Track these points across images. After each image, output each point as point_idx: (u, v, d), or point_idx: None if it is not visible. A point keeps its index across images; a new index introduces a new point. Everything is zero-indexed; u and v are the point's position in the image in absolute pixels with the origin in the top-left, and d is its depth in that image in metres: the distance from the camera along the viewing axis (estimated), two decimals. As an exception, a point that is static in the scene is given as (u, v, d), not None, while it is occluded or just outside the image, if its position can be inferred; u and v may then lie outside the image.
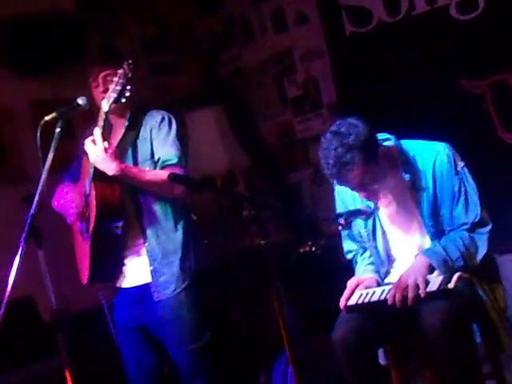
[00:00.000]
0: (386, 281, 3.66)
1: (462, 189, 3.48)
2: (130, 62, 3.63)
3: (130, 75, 3.61)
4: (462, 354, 3.28)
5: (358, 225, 3.69)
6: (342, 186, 3.65)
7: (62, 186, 4.05)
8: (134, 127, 3.90)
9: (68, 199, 3.94)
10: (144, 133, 3.88)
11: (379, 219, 3.65)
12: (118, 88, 3.62)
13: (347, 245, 3.88)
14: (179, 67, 6.58)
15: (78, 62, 5.22)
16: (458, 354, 3.26)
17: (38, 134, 3.54)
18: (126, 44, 6.10)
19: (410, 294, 3.33)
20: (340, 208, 3.75)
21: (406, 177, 3.52)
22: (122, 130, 3.91)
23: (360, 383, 3.43)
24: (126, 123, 3.91)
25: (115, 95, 3.63)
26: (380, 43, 5.70)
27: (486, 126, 5.30)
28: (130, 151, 3.87)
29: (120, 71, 3.62)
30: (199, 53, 6.72)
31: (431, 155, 3.51)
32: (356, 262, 3.84)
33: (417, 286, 3.34)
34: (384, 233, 3.66)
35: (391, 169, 3.52)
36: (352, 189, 3.50)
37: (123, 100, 3.66)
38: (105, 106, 3.66)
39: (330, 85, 6.13)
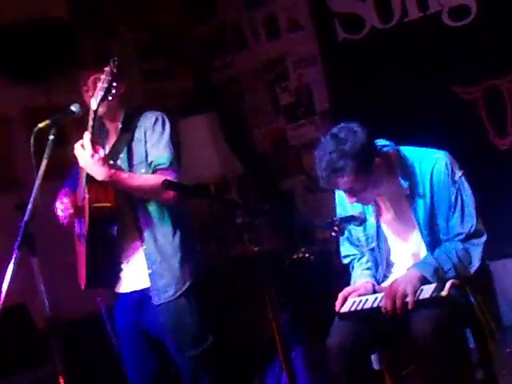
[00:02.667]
0: (383, 285, 3.65)
1: (459, 199, 3.48)
2: (116, 59, 3.63)
3: (115, 71, 3.60)
4: (451, 362, 3.29)
5: (357, 230, 3.69)
6: (342, 195, 3.67)
7: (62, 191, 4.04)
8: (129, 129, 3.88)
9: (65, 204, 3.92)
10: (139, 134, 3.86)
11: (380, 224, 3.66)
12: (105, 85, 3.61)
13: (345, 249, 3.86)
14: (172, 74, 6.58)
15: (72, 68, 5.23)
16: (446, 362, 3.26)
17: (32, 141, 3.53)
18: (119, 50, 6.09)
19: (398, 303, 3.33)
20: (340, 211, 3.75)
21: (404, 184, 3.52)
22: (117, 133, 3.90)
23: None
24: (120, 126, 3.89)
25: (102, 93, 3.62)
26: (372, 50, 5.72)
27: (479, 132, 5.32)
28: (125, 154, 3.85)
29: (106, 69, 3.61)
30: (192, 59, 6.72)
31: (429, 163, 3.51)
32: (353, 268, 3.82)
33: (405, 295, 3.34)
34: (385, 237, 3.66)
35: (388, 175, 3.52)
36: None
37: (110, 98, 3.64)
38: (93, 104, 3.63)
39: (323, 91, 6.14)
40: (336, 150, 3.35)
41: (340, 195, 3.75)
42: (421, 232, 3.53)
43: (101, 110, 3.76)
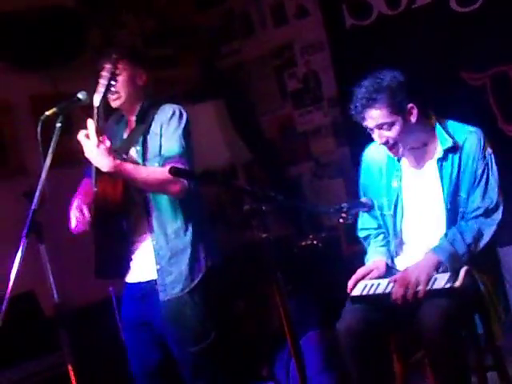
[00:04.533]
0: (396, 261, 3.69)
1: (485, 173, 3.52)
2: (115, 56, 3.62)
3: (114, 70, 3.60)
4: (457, 354, 3.29)
5: (381, 194, 3.71)
6: (370, 161, 3.74)
7: (84, 181, 4.02)
8: (144, 122, 3.85)
9: (78, 204, 3.89)
10: (155, 128, 3.82)
11: (401, 190, 3.66)
12: (105, 82, 3.59)
13: (363, 221, 3.87)
14: (179, 61, 6.57)
15: (78, 56, 5.23)
16: (452, 352, 3.27)
17: (39, 129, 3.52)
18: (126, 38, 6.09)
19: (410, 292, 3.34)
20: (364, 181, 3.81)
21: (443, 146, 3.54)
22: (133, 126, 3.89)
23: (365, 373, 3.44)
24: (135, 118, 3.88)
25: (103, 90, 3.60)
26: (380, 36, 5.70)
27: (487, 118, 5.29)
28: (139, 146, 3.82)
29: (107, 65, 3.60)
30: (199, 46, 6.71)
31: (463, 134, 3.56)
32: (369, 244, 3.84)
33: (417, 284, 3.34)
34: (402, 208, 3.66)
35: (423, 133, 3.56)
36: (370, 129, 3.53)
37: (110, 95, 3.66)
38: (96, 100, 3.60)
39: (331, 78, 6.13)
40: (374, 83, 3.50)
41: (365, 161, 3.80)
42: (444, 201, 3.54)
43: (117, 103, 3.81)
